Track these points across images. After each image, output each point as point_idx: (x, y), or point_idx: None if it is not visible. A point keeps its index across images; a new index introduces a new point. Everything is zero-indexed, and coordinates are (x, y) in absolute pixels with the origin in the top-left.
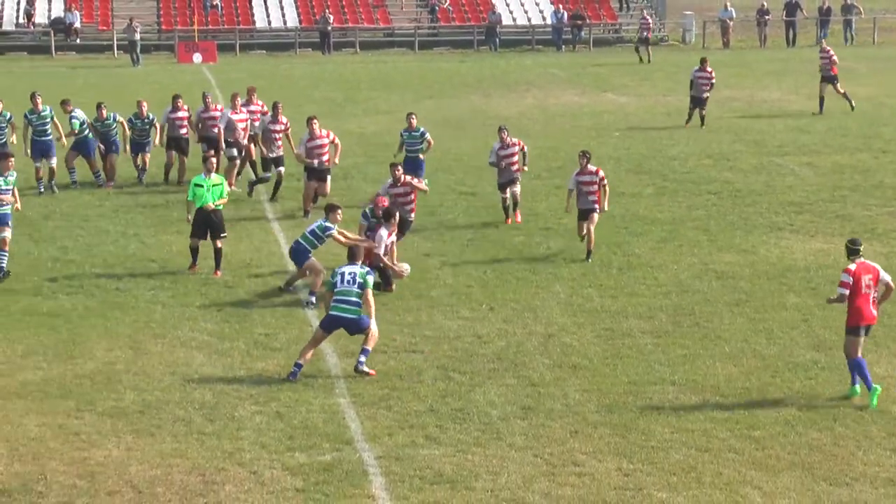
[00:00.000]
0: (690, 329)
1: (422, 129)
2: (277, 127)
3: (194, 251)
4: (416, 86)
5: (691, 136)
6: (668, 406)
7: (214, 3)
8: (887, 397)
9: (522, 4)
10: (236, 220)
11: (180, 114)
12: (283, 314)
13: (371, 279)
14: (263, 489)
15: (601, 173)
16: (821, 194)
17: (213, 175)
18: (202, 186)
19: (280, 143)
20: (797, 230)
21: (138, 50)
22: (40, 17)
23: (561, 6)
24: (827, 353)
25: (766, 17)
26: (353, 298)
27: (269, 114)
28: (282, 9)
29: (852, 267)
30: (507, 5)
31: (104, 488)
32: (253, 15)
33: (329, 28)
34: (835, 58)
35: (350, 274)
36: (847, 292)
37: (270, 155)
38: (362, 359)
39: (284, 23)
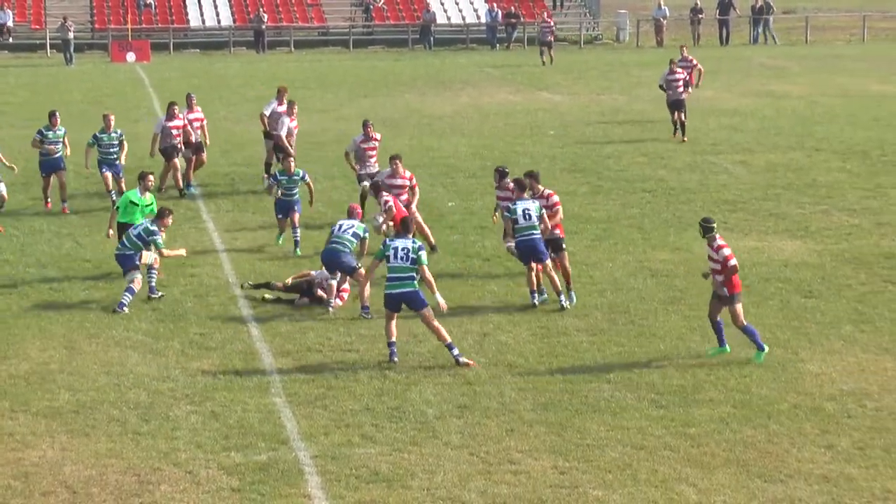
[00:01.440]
0: (626, 327)
1: (301, 172)
2: (371, 144)
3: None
4: (351, 84)
5: (625, 134)
6: (604, 404)
7: (148, 2)
8: (820, 394)
9: (457, 3)
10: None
11: (176, 122)
12: (219, 313)
13: (423, 254)
14: (199, 489)
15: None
16: (754, 192)
17: (147, 194)
18: (136, 204)
19: (374, 159)
20: (731, 228)
21: (72, 49)
22: None
23: (495, 5)
24: None
25: (700, 16)
26: (409, 274)
27: (361, 133)
28: (216, 8)
29: (722, 242)
30: (442, 4)
31: (38, 489)
32: (187, 14)
33: (263, 27)
34: (698, 65)
35: (403, 249)
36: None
37: (362, 171)
38: (455, 352)
39: (218, 22)
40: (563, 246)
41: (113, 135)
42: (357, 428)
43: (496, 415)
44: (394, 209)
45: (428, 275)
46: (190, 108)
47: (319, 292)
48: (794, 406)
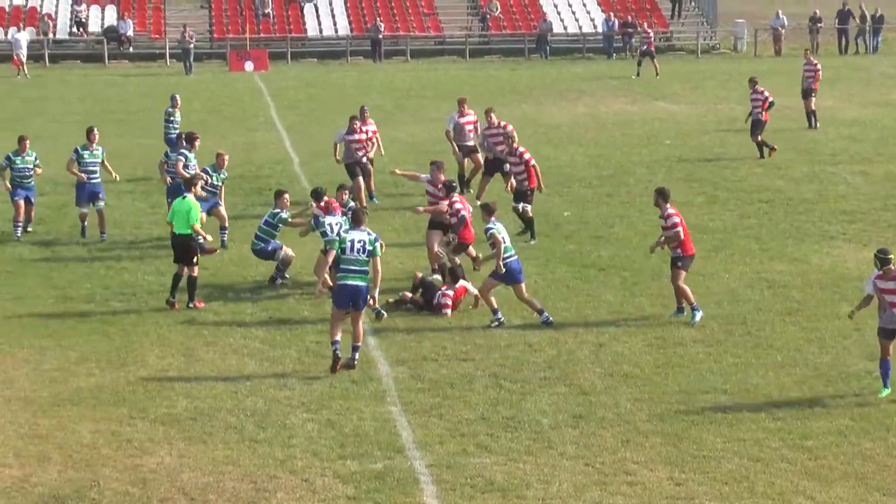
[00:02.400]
0: (742, 338)
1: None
2: (493, 131)
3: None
4: (467, 94)
5: (743, 144)
6: (720, 415)
7: (266, 11)
8: None
9: (573, 12)
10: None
11: (357, 136)
12: None
13: (378, 245)
14: (315, 497)
15: None
16: (873, 203)
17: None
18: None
19: (502, 147)
20: (850, 239)
21: (191, 59)
22: (93, 26)
23: (612, 14)
24: None
25: (819, 25)
26: (364, 267)
27: (486, 123)
28: (333, 17)
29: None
30: (559, 13)
31: (157, 495)
32: (304, 23)
33: (380, 36)
34: (819, 70)
35: (360, 241)
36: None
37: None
38: (356, 356)
39: (336, 31)
40: (679, 264)
41: (27, 157)
42: (472, 437)
43: (611, 425)
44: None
45: (378, 266)
46: (363, 120)
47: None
48: None
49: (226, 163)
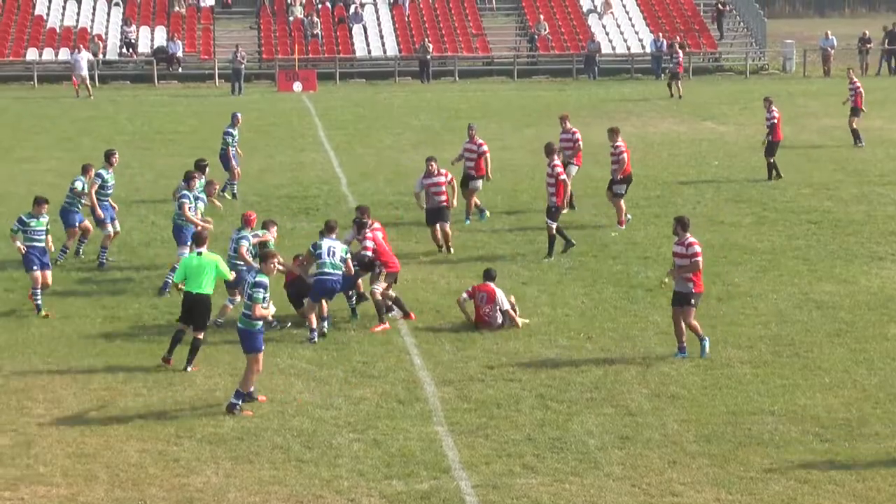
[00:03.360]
0: (790, 359)
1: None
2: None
3: None
4: (516, 114)
5: (791, 164)
6: (768, 437)
7: (315, 32)
8: None
9: (622, 33)
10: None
11: (437, 178)
12: (382, 342)
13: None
14: None
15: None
16: None
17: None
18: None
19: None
20: None
21: (242, 80)
22: (143, 47)
23: (660, 34)
24: None
25: (868, 46)
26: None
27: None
28: (381, 38)
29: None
30: (607, 34)
31: None
32: (353, 44)
33: (428, 57)
34: (861, 89)
35: (332, 248)
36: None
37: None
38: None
39: (384, 51)
40: (692, 301)
41: (42, 220)
42: (518, 458)
43: (658, 446)
44: None
45: (351, 268)
46: (471, 137)
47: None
48: None
49: (215, 191)
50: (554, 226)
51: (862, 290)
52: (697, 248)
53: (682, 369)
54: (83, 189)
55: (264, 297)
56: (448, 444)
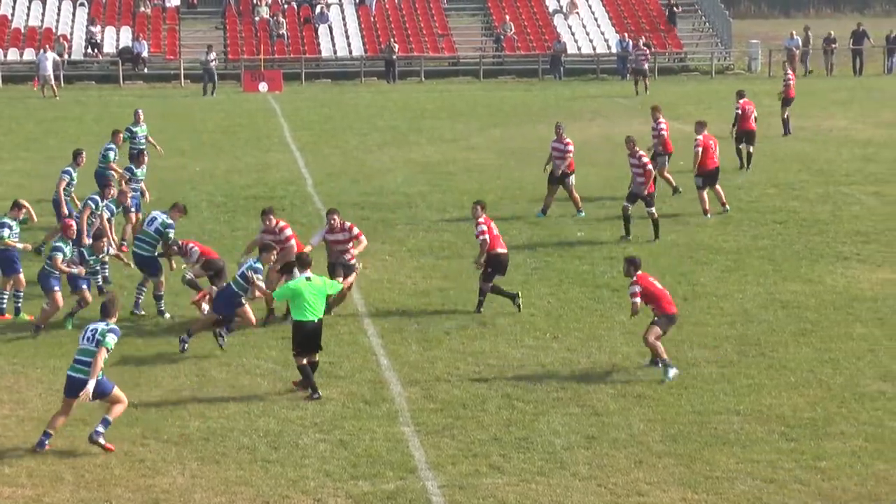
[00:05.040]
0: (756, 359)
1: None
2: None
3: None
4: (481, 114)
5: (756, 164)
6: (734, 436)
7: (280, 32)
8: None
9: (587, 33)
10: None
11: (556, 144)
12: (348, 342)
13: (110, 338)
14: None
15: None
16: (888, 223)
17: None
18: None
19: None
20: (864, 260)
21: (215, 80)
22: (108, 47)
23: (626, 35)
24: (894, 384)
25: (833, 46)
26: (87, 358)
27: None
28: (347, 38)
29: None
30: (573, 34)
31: None
32: (319, 44)
33: (394, 57)
34: (792, 82)
35: (91, 330)
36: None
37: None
38: (100, 429)
39: (350, 52)
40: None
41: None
42: (485, 458)
43: (624, 446)
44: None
45: (100, 360)
46: (559, 137)
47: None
48: None
49: (127, 200)
50: (654, 211)
51: (827, 290)
52: (635, 289)
53: (647, 369)
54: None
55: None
56: (414, 444)
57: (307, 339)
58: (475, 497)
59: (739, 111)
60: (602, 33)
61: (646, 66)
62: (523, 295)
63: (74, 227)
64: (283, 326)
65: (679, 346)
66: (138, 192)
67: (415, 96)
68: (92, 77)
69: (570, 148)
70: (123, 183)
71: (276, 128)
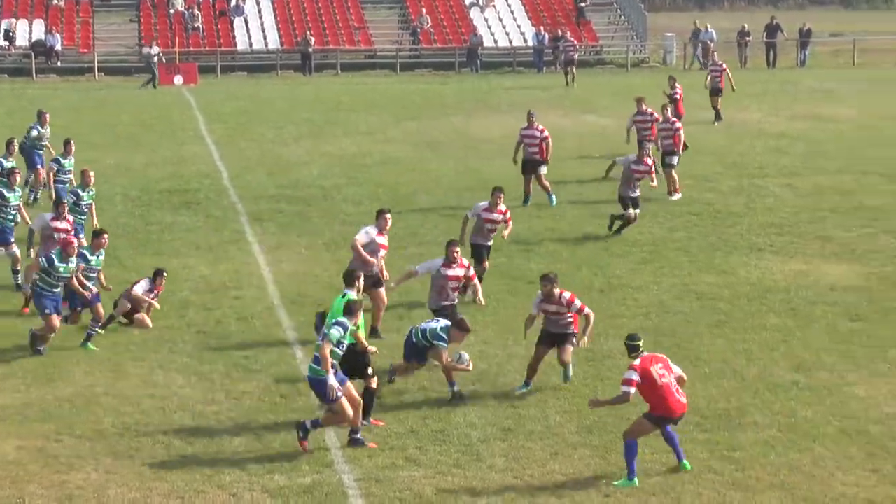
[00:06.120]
0: (671, 350)
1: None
2: (641, 168)
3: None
4: (398, 107)
5: None
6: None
7: (196, 24)
8: (866, 418)
9: (504, 26)
10: (217, 243)
11: (533, 132)
12: (263, 336)
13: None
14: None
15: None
16: (801, 215)
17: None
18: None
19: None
20: (777, 251)
21: (157, 71)
22: (21, 40)
23: (542, 28)
24: (807, 374)
25: (747, 39)
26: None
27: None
28: (263, 31)
29: (637, 362)
30: (489, 27)
31: None
32: (234, 37)
33: (310, 50)
34: (727, 72)
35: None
36: (632, 390)
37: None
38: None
39: (266, 45)
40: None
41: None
42: (401, 451)
43: (540, 438)
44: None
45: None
46: (529, 125)
47: None
48: (839, 430)
49: (92, 180)
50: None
51: (741, 282)
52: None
53: (513, 355)
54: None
55: (339, 340)
56: (330, 437)
57: (349, 362)
58: (391, 490)
59: (678, 95)
60: (518, 26)
61: (575, 56)
62: None
63: (75, 242)
64: (197, 322)
65: (595, 338)
66: (67, 184)
67: (331, 89)
68: (4, 70)
69: (546, 134)
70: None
71: (191, 121)
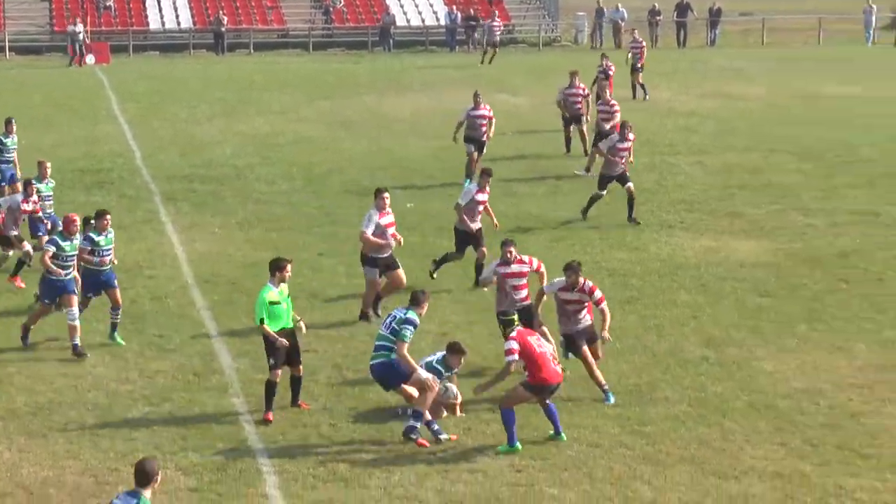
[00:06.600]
0: None
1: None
2: (625, 145)
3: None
4: (310, 87)
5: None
6: (560, 403)
7: (108, 3)
8: (774, 392)
9: (416, 6)
10: (130, 223)
11: (481, 111)
12: (177, 315)
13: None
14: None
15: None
16: (710, 193)
17: (282, 285)
18: (278, 302)
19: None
20: (688, 228)
21: (79, 47)
22: None
23: (454, 7)
24: (716, 350)
25: (658, 18)
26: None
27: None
28: (175, 10)
29: (514, 334)
30: (402, 6)
31: None
32: (146, 16)
33: (223, 29)
34: (644, 49)
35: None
36: (514, 358)
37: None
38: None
39: (178, 24)
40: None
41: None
42: (315, 428)
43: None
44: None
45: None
46: (476, 105)
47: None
48: (748, 404)
49: (48, 171)
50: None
51: (652, 258)
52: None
53: (478, 338)
54: None
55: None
56: (244, 415)
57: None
58: (305, 466)
59: (612, 71)
60: (431, 5)
61: (497, 37)
62: (353, 266)
63: (77, 220)
64: (107, 304)
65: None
66: (11, 164)
67: (244, 69)
68: None
69: (492, 113)
70: None
71: (103, 101)
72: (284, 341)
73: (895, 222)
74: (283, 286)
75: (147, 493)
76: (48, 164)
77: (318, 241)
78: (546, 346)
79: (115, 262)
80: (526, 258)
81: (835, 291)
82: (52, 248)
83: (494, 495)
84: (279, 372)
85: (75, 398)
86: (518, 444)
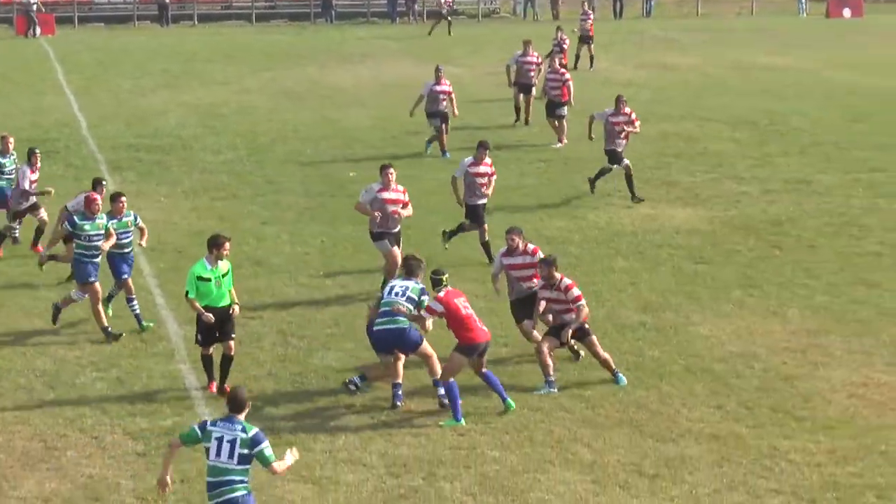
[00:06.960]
0: None
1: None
2: (619, 118)
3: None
4: (254, 58)
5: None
6: (501, 368)
7: None
8: (710, 356)
9: None
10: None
11: (443, 87)
12: None
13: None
14: (105, 454)
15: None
16: (646, 161)
17: (221, 262)
18: (208, 280)
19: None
20: (625, 196)
21: (35, 21)
22: None
23: None
24: (653, 315)
25: None
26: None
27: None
28: None
29: (441, 294)
30: None
31: None
32: None
33: (167, 1)
34: (591, 21)
35: (401, 286)
36: (431, 316)
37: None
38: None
39: None
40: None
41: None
42: (260, 393)
43: None
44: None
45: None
46: (438, 80)
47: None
48: (685, 368)
49: (11, 145)
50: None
51: (590, 226)
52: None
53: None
54: None
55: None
56: (191, 381)
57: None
58: None
59: (566, 45)
60: None
61: (445, 10)
62: (296, 234)
63: (99, 199)
64: (58, 269)
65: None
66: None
67: (188, 40)
68: None
69: (451, 88)
70: None
71: (49, 71)
72: (210, 316)
73: (826, 190)
74: (221, 264)
75: (242, 417)
76: (11, 138)
77: (261, 209)
78: (471, 309)
79: (142, 244)
80: (531, 247)
81: (768, 258)
82: (69, 228)
83: (437, 458)
84: (210, 347)
85: (24, 364)
86: (462, 419)
